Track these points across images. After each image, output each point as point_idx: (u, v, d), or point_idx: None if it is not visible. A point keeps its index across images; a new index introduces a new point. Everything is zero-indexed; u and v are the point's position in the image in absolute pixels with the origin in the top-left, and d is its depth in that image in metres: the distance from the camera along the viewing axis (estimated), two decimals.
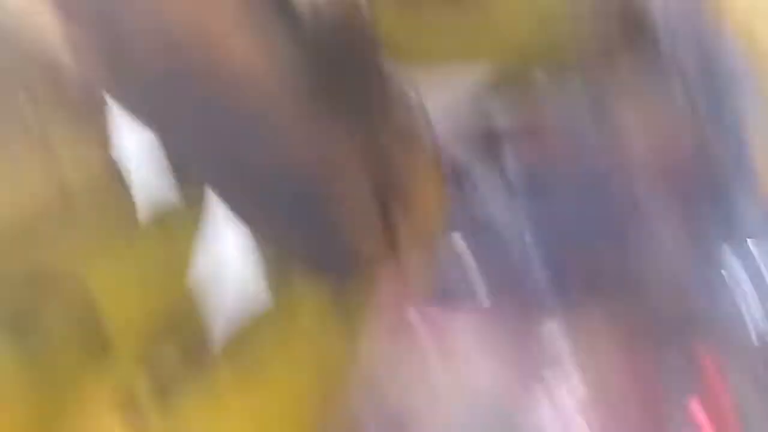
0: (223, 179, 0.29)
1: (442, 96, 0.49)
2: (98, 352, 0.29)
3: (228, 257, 0.30)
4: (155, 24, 0.28)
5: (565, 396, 0.42)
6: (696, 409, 0.39)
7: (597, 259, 0.44)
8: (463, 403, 0.36)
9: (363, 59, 0.31)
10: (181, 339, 0.29)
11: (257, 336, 0.29)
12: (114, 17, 0.28)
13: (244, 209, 0.29)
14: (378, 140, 0.28)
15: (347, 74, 0.30)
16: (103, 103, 0.29)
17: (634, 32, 0.31)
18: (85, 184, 0.31)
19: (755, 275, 0.38)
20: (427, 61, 0.31)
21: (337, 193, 0.28)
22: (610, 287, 0.42)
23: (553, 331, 0.42)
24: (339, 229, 0.28)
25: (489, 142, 0.32)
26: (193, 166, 0.30)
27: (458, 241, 0.48)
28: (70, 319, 0.28)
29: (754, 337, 0.39)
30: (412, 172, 0.29)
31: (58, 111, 0.30)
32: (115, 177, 0.31)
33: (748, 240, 0.38)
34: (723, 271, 0.39)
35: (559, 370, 0.42)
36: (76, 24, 0.28)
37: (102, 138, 0.30)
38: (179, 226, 0.31)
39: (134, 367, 0.29)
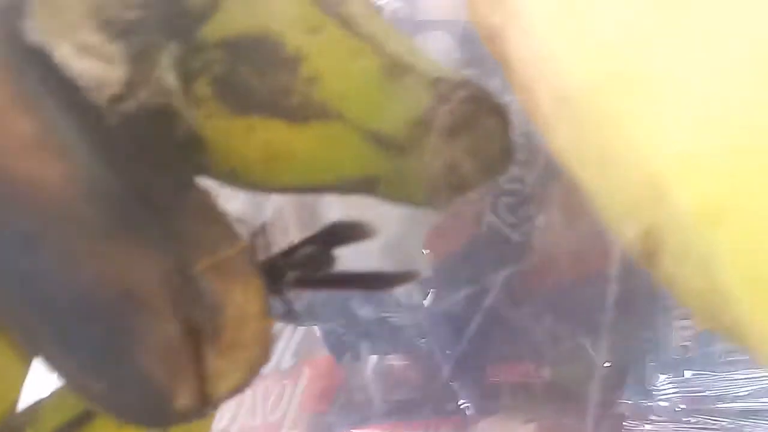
0: (12, 309, 0.25)
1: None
2: None
3: None
4: None
5: None
6: None
7: None
8: None
9: (179, 163, 0.26)
10: None
11: None
12: None
13: (36, 344, 0.26)
14: (189, 267, 0.24)
15: (157, 184, 0.25)
16: None
17: None
18: None
19: None
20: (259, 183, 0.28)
21: (143, 333, 0.24)
22: None
23: None
24: (145, 374, 0.24)
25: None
26: None
27: None
28: None
29: None
30: (229, 305, 0.24)
31: None
32: None
33: None
34: None
35: None
36: None
37: None
38: None
39: None
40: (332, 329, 0.57)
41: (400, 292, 0.53)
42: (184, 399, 0.24)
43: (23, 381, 0.29)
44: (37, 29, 0.23)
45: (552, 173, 0.48)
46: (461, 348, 0.52)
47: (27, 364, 0.29)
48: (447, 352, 0.53)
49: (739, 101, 0.14)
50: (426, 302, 0.52)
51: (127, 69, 0.24)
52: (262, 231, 0.27)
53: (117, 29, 0.24)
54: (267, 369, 0.59)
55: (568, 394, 0.49)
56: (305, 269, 0.28)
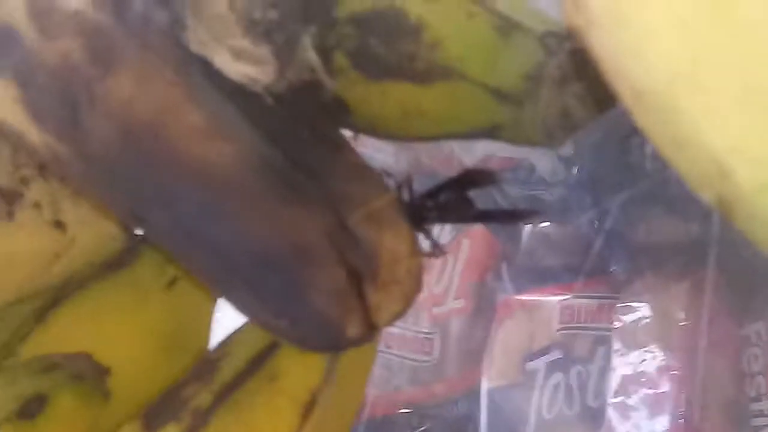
0: (200, 267, 0.30)
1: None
2: None
3: None
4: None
5: None
6: None
7: None
8: None
9: (327, 124, 0.30)
10: None
11: None
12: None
13: (223, 290, 0.31)
14: (346, 220, 0.28)
15: (311, 150, 0.29)
16: None
17: None
18: None
19: None
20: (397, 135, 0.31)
21: (315, 279, 0.28)
22: None
23: None
24: (320, 312, 0.28)
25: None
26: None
27: None
28: None
29: None
30: (382, 249, 0.28)
31: None
32: None
33: None
34: None
35: None
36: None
37: None
38: None
39: None
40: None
41: (545, 170, 0.55)
42: (353, 329, 0.28)
43: (213, 308, 0.34)
44: (196, 41, 0.27)
45: None
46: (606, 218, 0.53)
47: (213, 304, 0.34)
48: (594, 222, 0.55)
49: None
50: (571, 177, 0.54)
51: (274, 64, 0.27)
52: (406, 181, 0.31)
53: (262, 29, 0.27)
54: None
55: (719, 251, 0.50)
56: (445, 210, 0.31)
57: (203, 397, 0.31)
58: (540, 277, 0.58)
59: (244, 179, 0.27)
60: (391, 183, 0.30)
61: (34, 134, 0.29)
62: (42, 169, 0.34)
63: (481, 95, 0.28)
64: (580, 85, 0.28)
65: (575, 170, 0.54)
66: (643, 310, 0.52)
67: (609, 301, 0.54)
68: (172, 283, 0.35)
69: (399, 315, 0.29)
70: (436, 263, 0.65)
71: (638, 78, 0.19)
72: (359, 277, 0.28)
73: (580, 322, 0.56)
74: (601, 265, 0.55)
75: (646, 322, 0.51)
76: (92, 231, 0.35)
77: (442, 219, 0.32)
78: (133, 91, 0.27)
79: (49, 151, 0.29)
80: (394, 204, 0.29)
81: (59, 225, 0.34)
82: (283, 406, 0.30)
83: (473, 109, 0.29)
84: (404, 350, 0.66)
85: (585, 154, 0.53)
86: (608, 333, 0.53)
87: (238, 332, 0.33)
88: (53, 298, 0.34)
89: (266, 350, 0.31)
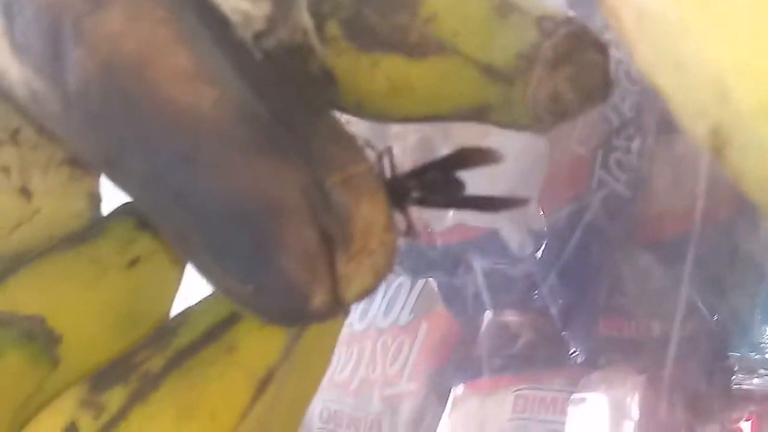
0: (169, 221, 0.29)
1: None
2: None
3: None
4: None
5: None
6: None
7: None
8: None
9: (312, 95, 0.29)
10: None
11: None
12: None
13: (189, 251, 0.29)
14: (323, 181, 0.27)
15: (294, 109, 0.28)
16: None
17: None
18: None
19: None
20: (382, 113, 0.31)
21: (286, 238, 0.26)
22: None
23: None
24: (287, 276, 0.27)
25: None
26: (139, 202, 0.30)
27: None
28: None
29: None
30: (357, 216, 0.27)
31: None
32: None
33: None
34: None
35: None
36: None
37: None
38: None
39: None
40: (449, 283, 0.59)
41: (513, 245, 0.55)
42: (319, 299, 0.27)
43: (177, 288, 0.33)
44: None
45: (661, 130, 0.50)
46: (569, 299, 0.53)
47: (181, 272, 0.33)
48: (559, 301, 0.54)
49: None
50: (538, 254, 0.53)
51: (270, 6, 0.27)
52: (387, 152, 0.30)
53: None
54: (386, 324, 0.62)
55: (678, 347, 0.50)
56: (432, 191, 0.31)
57: (155, 362, 0.30)
58: (496, 366, 0.58)
59: (225, 126, 0.27)
60: (371, 154, 0.29)
61: (14, 70, 0.28)
62: (15, 134, 0.33)
63: (472, 71, 0.28)
64: (572, 71, 0.28)
65: (543, 247, 0.54)
66: (597, 403, 0.51)
67: (564, 393, 0.53)
68: (134, 262, 0.34)
69: (368, 291, 0.28)
70: (393, 344, 0.65)
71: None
72: (331, 243, 0.27)
73: (533, 413, 0.55)
74: (559, 357, 0.55)
75: (601, 416, 0.51)
76: (58, 204, 0.34)
77: (426, 201, 0.31)
78: (122, 27, 0.26)
79: (27, 88, 0.28)
80: (372, 172, 0.28)
81: (25, 192, 0.34)
82: (237, 378, 0.29)
83: (463, 85, 0.28)
84: (351, 430, 0.64)
85: (555, 232, 0.53)
86: (561, 425, 0.52)
87: (201, 302, 0.31)
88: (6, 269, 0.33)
89: (227, 320, 0.30)
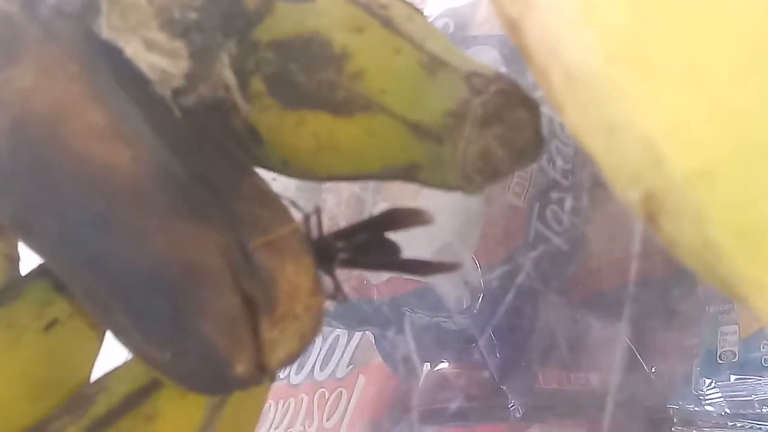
0: (84, 285, 0.28)
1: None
2: None
3: None
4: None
5: None
6: None
7: None
8: None
9: (236, 152, 0.29)
10: None
11: None
12: None
13: (105, 316, 0.28)
14: (246, 244, 0.26)
15: (216, 169, 0.27)
16: None
17: None
18: None
19: None
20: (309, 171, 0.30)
21: (206, 304, 0.25)
22: None
23: None
24: (208, 343, 0.25)
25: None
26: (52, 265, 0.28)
27: None
28: None
29: None
30: (282, 280, 0.26)
31: None
32: None
33: None
34: None
35: None
36: None
37: None
38: None
39: None
40: (386, 336, 0.58)
41: (450, 299, 0.54)
42: (242, 366, 0.26)
43: (97, 353, 0.32)
44: (109, 27, 0.25)
45: (598, 184, 0.50)
46: (506, 353, 0.53)
47: (101, 336, 0.32)
48: (497, 355, 0.54)
49: (720, 75, 0.16)
50: (475, 308, 0.53)
51: (189, 64, 0.26)
52: (315, 212, 0.29)
53: (180, 28, 0.26)
54: (323, 377, 0.61)
55: (617, 400, 0.50)
56: (361, 252, 0.30)
57: None
58: (435, 419, 0.57)
59: (141, 186, 0.25)
60: (296, 215, 0.28)
61: None
62: None
63: (400, 130, 0.27)
64: (502, 129, 0.27)
65: (480, 300, 0.54)
66: None
67: None
68: (51, 325, 0.32)
69: (292, 357, 0.27)
70: (330, 397, 0.64)
71: (574, 58, 0.18)
72: (255, 307, 0.26)
73: None
74: (498, 410, 0.54)
75: None
76: None
77: (356, 262, 0.30)
78: (33, 83, 0.25)
79: None
80: (299, 235, 0.27)
81: None
82: None
83: (391, 144, 0.28)
84: None
85: (489, 291, 0.53)
86: None
87: (119, 367, 0.30)
88: None
89: (147, 388, 0.29)
